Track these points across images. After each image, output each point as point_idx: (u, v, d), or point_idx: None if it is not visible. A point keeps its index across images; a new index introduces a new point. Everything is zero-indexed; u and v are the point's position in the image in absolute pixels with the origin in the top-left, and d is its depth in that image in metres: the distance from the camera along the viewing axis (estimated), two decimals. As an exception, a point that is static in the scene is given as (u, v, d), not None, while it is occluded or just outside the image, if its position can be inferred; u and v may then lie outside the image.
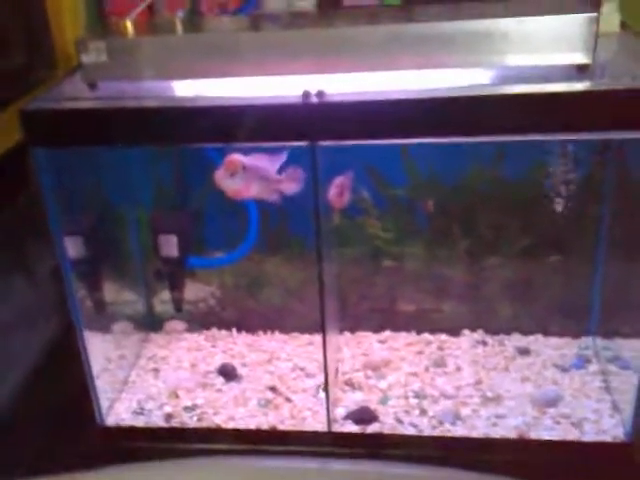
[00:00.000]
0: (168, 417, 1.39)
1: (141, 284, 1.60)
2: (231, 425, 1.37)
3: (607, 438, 1.28)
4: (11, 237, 1.40)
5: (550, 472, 1.22)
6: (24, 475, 1.22)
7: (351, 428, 1.34)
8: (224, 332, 1.63)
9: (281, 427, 1.36)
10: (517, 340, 1.53)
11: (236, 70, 1.09)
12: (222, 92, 1.12)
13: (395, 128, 1.06)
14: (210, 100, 1.10)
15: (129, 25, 1.11)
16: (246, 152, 1.22)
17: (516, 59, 1.03)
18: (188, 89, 1.14)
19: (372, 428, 1.33)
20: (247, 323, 1.62)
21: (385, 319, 1.57)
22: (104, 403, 1.38)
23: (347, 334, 1.59)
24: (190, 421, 1.38)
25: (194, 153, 1.40)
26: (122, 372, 1.49)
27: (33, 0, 1.32)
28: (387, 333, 1.58)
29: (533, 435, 1.29)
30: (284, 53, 1.07)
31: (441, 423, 1.33)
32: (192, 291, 1.58)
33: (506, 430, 1.30)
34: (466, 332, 1.56)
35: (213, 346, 1.59)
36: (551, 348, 1.50)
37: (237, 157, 1.21)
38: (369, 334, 1.59)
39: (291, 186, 1.26)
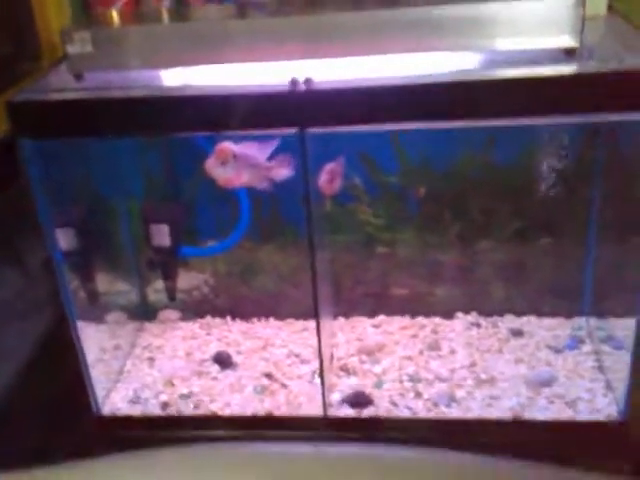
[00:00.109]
0: (164, 405, 1.40)
1: (134, 274, 1.60)
2: (227, 412, 1.37)
3: (601, 417, 1.29)
4: (2, 229, 1.39)
5: (545, 452, 1.23)
6: (22, 466, 1.23)
7: (347, 412, 1.35)
8: (218, 320, 1.63)
9: (277, 413, 1.36)
10: (510, 322, 1.54)
11: (224, 58, 1.08)
12: (210, 80, 1.11)
13: (383, 114, 1.05)
14: (198, 89, 1.10)
15: (114, 15, 1.11)
16: (236, 140, 1.21)
17: (504, 43, 1.03)
18: (175, 78, 1.14)
19: (367, 412, 1.34)
20: (241, 310, 1.62)
21: (379, 304, 1.58)
22: (100, 393, 1.38)
23: (341, 319, 1.59)
24: (186, 409, 1.39)
25: (184, 142, 1.39)
26: (117, 362, 1.50)
27: (17, -10, 1.31)
28: (381, 317, 1.58)
29: (528, 416, 1.30)
30: (271, 40, 1.06)
31: (436, 405, 1.34)
32: (185, 280, 1.58)
33: (501, 411, 1.31)
34: (460, 315, 1.56)
35: (208, 334, 1.59)
36: (544, 329, 1.51)
37: (227, 145, 1.20)
38: (363, 319, 1.59)
39: (281, 172, 1.26)
